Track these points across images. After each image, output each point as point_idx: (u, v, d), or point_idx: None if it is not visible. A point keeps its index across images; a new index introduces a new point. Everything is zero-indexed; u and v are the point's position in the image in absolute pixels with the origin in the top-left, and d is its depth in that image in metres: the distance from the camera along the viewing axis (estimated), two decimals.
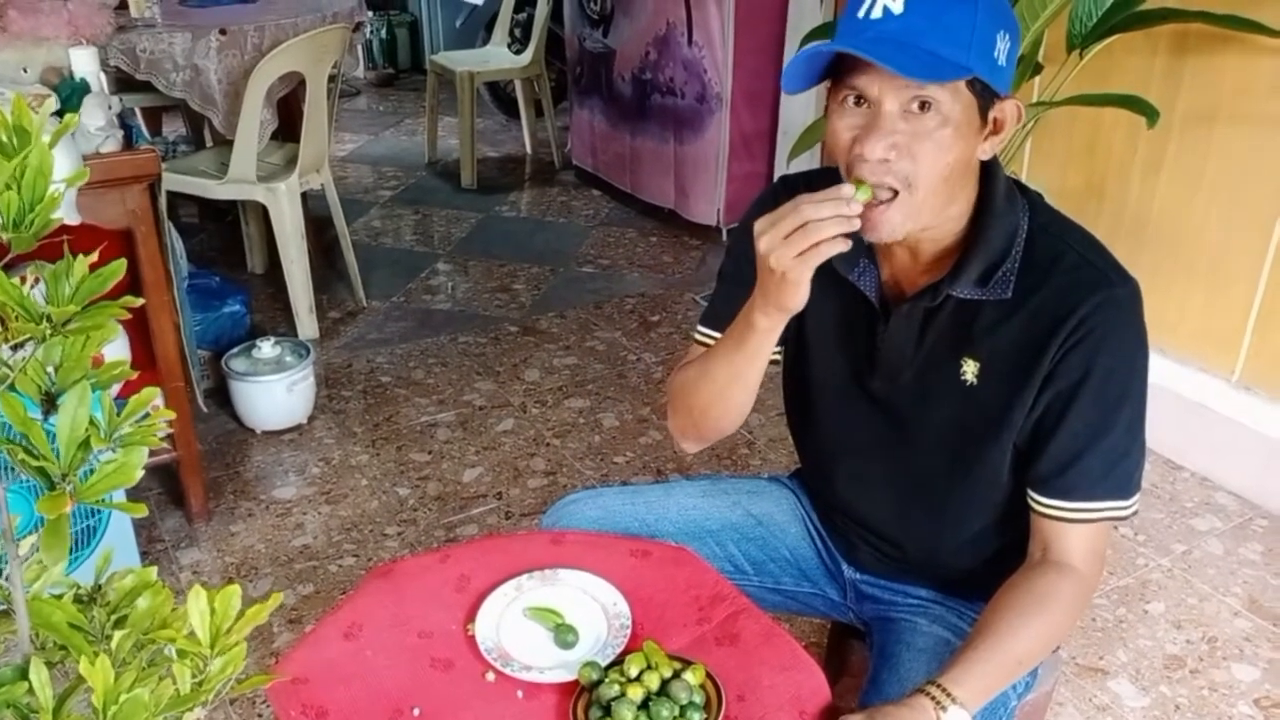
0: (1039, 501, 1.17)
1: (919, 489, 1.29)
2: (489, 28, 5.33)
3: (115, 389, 0.63)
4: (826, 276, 1.20)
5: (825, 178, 1.15)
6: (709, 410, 1.27)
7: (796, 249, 1.02)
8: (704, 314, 1.37)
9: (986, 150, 1.11)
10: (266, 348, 2.74)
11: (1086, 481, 1.14)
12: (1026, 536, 1.20)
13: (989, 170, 1.15)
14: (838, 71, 1.07)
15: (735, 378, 1.21)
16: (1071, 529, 1.15)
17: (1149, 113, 2.22)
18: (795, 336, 1.32)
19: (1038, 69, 2.48)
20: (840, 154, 1.09)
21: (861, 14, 1.03)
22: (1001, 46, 1.04)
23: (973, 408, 1.18)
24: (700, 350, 1.35)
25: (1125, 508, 1.16)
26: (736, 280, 1.31)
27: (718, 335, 1.32)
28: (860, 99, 1.05)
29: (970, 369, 1.17)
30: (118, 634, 0.62)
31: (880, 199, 1.06)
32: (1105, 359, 1.10)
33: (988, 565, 1.27)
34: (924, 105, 1.03)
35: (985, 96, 1.06)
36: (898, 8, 1.01)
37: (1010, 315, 1.14)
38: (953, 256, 1.16)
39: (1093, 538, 1.16)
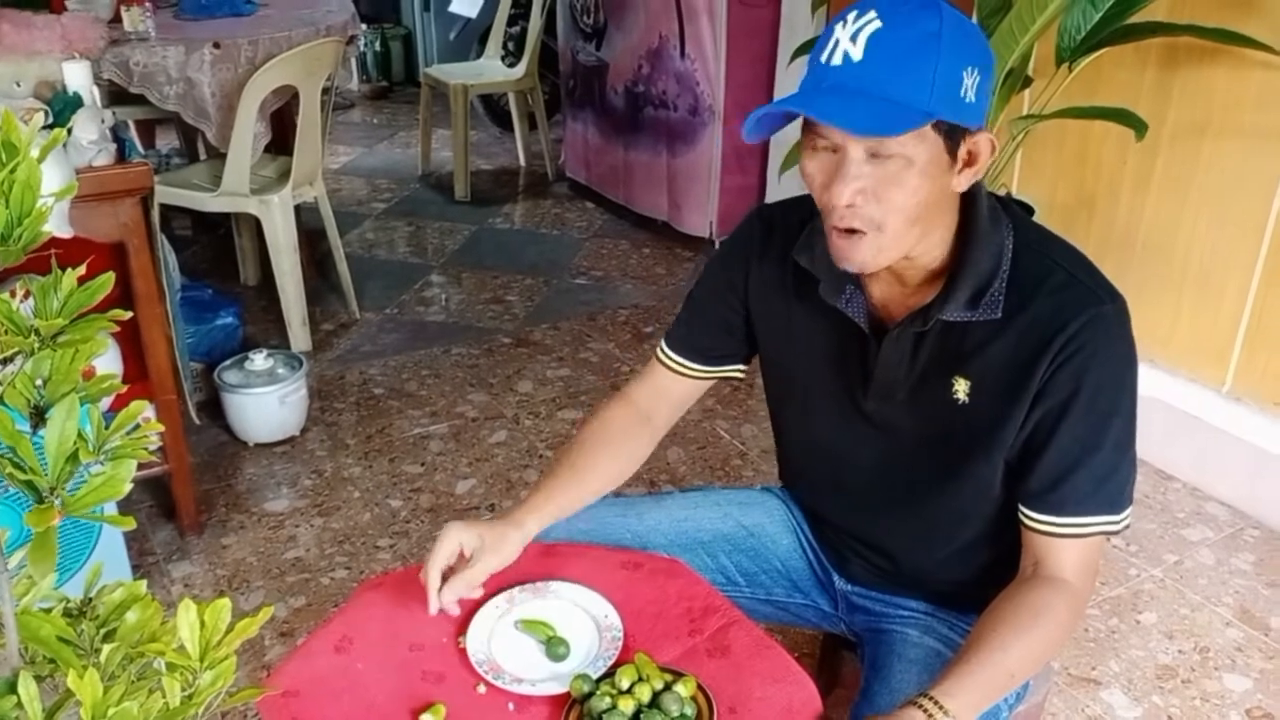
0: (1030, 517, 1.17)
1: (909, 503, 1.29)
2: (482, 41, 5.34)
3: (106, 402, 0.63)
4: (815, 303, 1.21)
5: (805, 206, 1.19)
6: None
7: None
8: (668, 334, 1.40)
9: (963, 182, 1.10)
10: (259, 360, 2.74)
11: (1077, 497, 1.15)
12: (1017, 550, 1.20)
13: (970, 193, 1.14)
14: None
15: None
16: (1063, 544, 1.16)
17: (1138, 126, 2.23)
18: (782, 362, 1.33)
19: (1027, 82, 2.49)
20: (815, 194, 1.10)
21: (824, 58, 1.03)
22: (969, 82, 1.03)
23: (965, 425, 1.19)
24: (661, 369, 1.39)
25: (1116, 522, 1.16)
26: (701, 308, 1.37)
27: (679, 358, 1.38)
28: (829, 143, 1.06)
29: (962, 387, 1.17)
30: (107, 647, 0.62)
31: None
32: (1094, 376, 1.11)
33: (978, 578, 1.28)
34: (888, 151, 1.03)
35: (953, 135, 1.05)
36: (857, 54, 1.00)
37: (999, 333, 1.14)
38: (940, 279, 1.16)
39: (1084, 552, 1.16)
